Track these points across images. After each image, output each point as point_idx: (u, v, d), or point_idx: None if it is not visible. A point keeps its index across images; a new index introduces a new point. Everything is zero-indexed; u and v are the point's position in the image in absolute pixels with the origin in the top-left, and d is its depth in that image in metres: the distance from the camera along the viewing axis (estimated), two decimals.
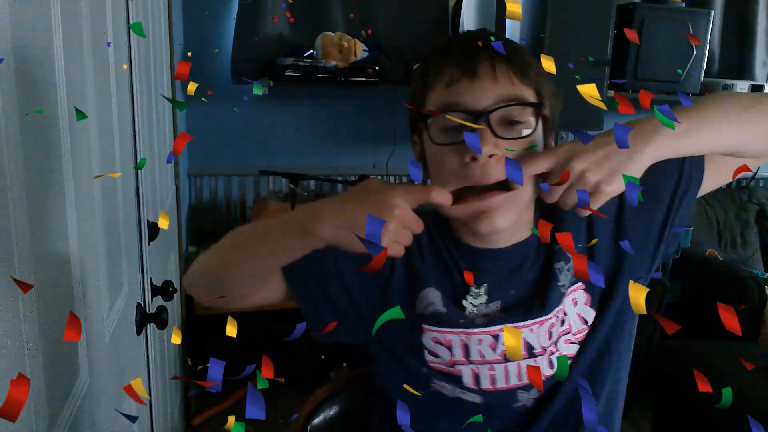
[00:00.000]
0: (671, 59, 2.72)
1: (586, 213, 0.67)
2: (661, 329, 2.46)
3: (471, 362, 0.79)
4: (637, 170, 0.65)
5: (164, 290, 1.32)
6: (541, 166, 0.66)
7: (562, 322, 0.79)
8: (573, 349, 0.80)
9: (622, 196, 0.79)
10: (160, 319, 1.14)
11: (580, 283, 0.80)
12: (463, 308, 0.79)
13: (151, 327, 1.28)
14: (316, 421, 1.07)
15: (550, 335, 0.79)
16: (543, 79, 0.75)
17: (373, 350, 0.88)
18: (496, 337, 0.78)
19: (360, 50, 2.53)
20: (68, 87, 0.69)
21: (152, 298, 1.28)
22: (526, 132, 0.72)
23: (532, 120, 0.72)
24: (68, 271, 0.70)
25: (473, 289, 0.79)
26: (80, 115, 0.49)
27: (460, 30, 2.66)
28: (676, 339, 2.18)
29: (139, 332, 1.10)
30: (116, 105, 0.99)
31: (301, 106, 2.75)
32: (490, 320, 0.78)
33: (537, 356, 0.78)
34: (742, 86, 2.92)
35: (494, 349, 0.78)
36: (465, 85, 0.71)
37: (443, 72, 0.73)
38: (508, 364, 0.78)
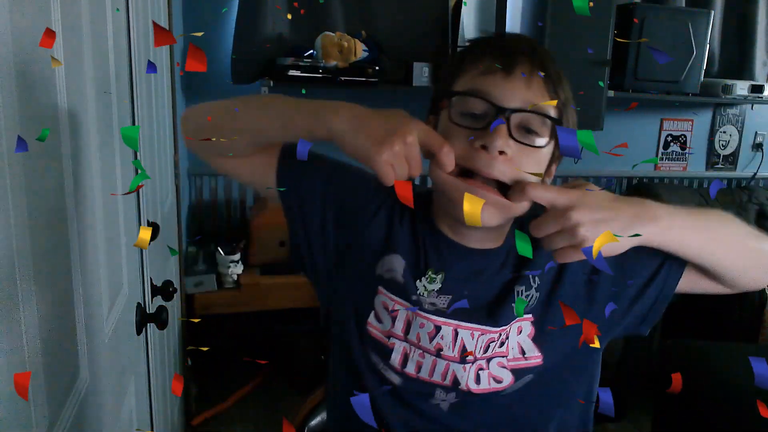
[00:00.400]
0: (671, 59, 2.72)
1: (561, 261, 0.66)
2: (661, 329, 2.46)
3: (407, 340, 0.79)
4: (625, 245, 0.66)
5: (164, 290, 1.32)
6: (545, 198, 0.66)
7: (502, 344, 0.79)
8: (504, 375, 0.80)
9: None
10: (160, 319, 1.14)
11: (530, 315, 0.80)
12: (416, 288, 0.80)
13: (151, 327, 1.28)
14: (313, 422, 1.07)
15: (486, 349, 0.79)
16: (568, 103, 0.76)
17: (323, 296, 0.89)
18: (438, 328, 0.78)
19: (360, 50, 2.53)
20: (68, 87, 0.69)
21: (152, 298, 1.28)
22: (540, 142, 0.72)
23: (547, 135, 0.72)
24: (68, 271, 0.70)
25: (431, 274, 0.80)
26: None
27: (461, 30, 2.66)
28: (676, 339, 2.18)
29: (139, 332, 1.10)
30: (116, 105, 0.99)
31: None
32: (436, 310, 0.79)
33: (467, 363, 0.78)
34: (742, 86, 2.92)
35: (431, 339, 0.78)
36: (498, 79, 0.71)
37: (482, 60, 0.73)
38: (438, 358, 0.79)
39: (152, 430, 1.31)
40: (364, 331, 0.81)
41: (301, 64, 2.41)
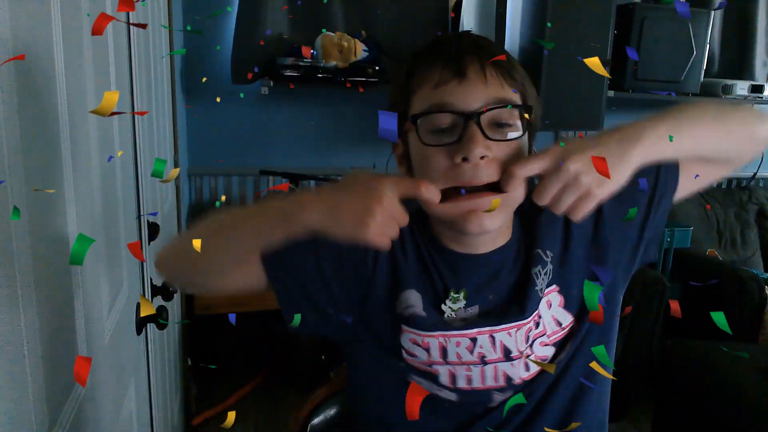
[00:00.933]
0: (671, 59, 2.72)
1: (578, 218, 0.66)
2: (661, 329, 2.46)
3: (448, 363, 0.79)
4: (625, 172, 0.66)
5: (164, 290, 1.32)
6: (534, 168, 0.66)
7: (537, 324, 0.79)
8: (548, 351, 0.81)
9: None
10: (160, 319, 1.14)
11: (554, 285, 0.80)
12: (442, 312, 0.79)
13: (151, 327, 1.28)
14: (315, 420, 1.07)
15: (527, 339, 0.79)
16: (528, 83, 0.76)
17: (349, 348, 0.87)
18: (473, 340, 0.78)
19: (360, 50, 2.53)
20: (68, 87, 0.69)
21: (152, 298, 1.28)
22: (514, 135, 0.71)
23: (518, 123, 0.72)
24: (68, 271, 0.70)
25: (453, 294, 0.79)
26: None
27: (460, 30, 2.66)
28: (676, 339, 2.18)
29: (139, 332, 1.10)
30: (116, 105, 0.99)
31: (301, 106, 2.75)
32: (467, 324, 0.78)
33: (514, 359, 0.79)
34: (742, 86, 2.92)
35: (471, 352, 0.78)
36: (454, 87, 0.71)
37: (431, 73, 0.72)
38: (484, 366, 0.78)
39: (152, 430, 1.31)
40: (405, 365, 0.80)
41: (301, 64, 2.41)
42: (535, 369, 0.80)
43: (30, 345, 0.56)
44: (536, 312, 0.79)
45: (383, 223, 0.63)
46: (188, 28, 2.49)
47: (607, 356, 0.85)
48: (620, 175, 0.65)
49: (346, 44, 2.49)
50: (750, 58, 3.15)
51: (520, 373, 0.79)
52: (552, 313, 0.80)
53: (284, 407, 2.38)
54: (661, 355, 2.26)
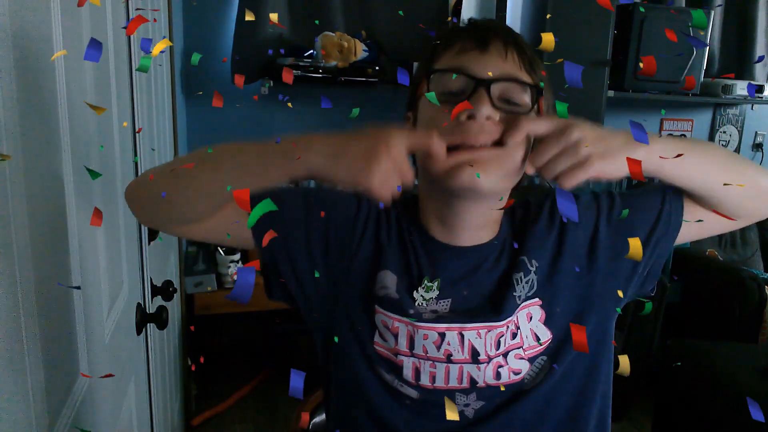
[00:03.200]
0: (671, 59, 2.72)
1: (567, 185, 0.63)
2: (661, 329, 2.46)
3: (414, 355, 0.77)
4: (624, 164, 0.64)
5: (164, 290, 1.32)
6: (540, 127, 0.65)
7: (514, 335, 0.77)
8: (523, 365, 0.78)
9: (598, 220, 0.80)
10: (160, 319, 1.14)
11: (537, 299, 0.79)
12: (414, 299, 0.78)
13: (151, 327, 1.28)
14: (317, 419, 1.08)
15: (498, 345, 0.77)
16: (546, 83, 0.76)
17: (318, 332, 0.86)
18: (442, 335, 0.76)
19: (360, 50, 2.53)
20: (68, 87, 0.69)
21: (152, 298, 1.28)
22: (522, 110, 0.71)
23: (529, 105, 0.72)
24: (68, 272, 0.70)
25: (426, 282, 0.78)
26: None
27: None
28: (676, 339, 2.19)
29: (139, 332, 1.10)
30: (116, 105, 0.99)
31: (301, 106, 2.75)
32: (437, 317, 0.77)
33: (481, 363, 0.76)
34: (742, 86, 2.92)
35: (438, 348, 0.76)
36: (474, 55, 0.72)
37: (455, 42, 0.74)
38: (449, 364, 0.77)
39: (152, 430, 1.31)
40: (372, 352, 0.79)
41: (301, 64, 2.41)
42: (504, 378, 0.77)
43: (30, 345, 0.56)
44: (511, 319, 0.77)
45: (387, 172, 0.61)
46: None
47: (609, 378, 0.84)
48: (618, 160, 0.64)
49: (346, 44, 2.49)
50: (750, 58, 3.15)
51: (486, 377, 0.77)
52: (531, 327, 0.78)
53: (284, 407, 2.38)
54: (661, 355, 2.26)
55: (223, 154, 0.68)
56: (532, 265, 0.79)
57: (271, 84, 2.41)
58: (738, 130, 3.37)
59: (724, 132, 3.35)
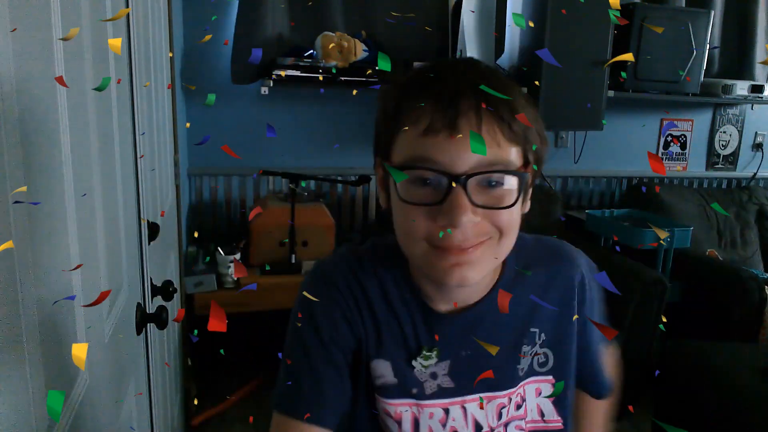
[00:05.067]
0: (671, 59, 2.73)
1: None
2: (661, 329, 2.46)
3: None
4: None
5: (164, 290, 1.32)
6: None
7: (518, 406, 0.77)
8: None
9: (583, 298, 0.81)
10: (160, 319, 1.14)
11: (551, 376, 0.77)
12: (412, 368, 0.75)
13: (151, 327, 1.28)
14: None
15: (500, 415, 0.76)
16: (530, 130, 0.66)
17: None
18: (446, 411, 0.75)
19: (360, 50, 2.53)
20: (68, 87, 0.69)
21: (152, 298, 1.28)
22: (508, 198, 0.65)
23: (512, 181, 0.64)
24: (68, 271, 0.70)
25: (425, 352, 0.75)
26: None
27: (460, 30, 2.66)
28: (676, 339, 2.19)
29: (139, 332, 1.10)
30: (116, 105, 0.99)
31: (301, 106, 2.75)
32: (441, 391, 0.75)
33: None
34: (742, 86, 2.92)
35: (444, 426, 0.75)
36: (443, 140, 0.62)
37: (420, 116, 0.63)
38: None
39: (152, 430, 1.31)
40: None
41: (301, 64, 2.41)
42: None
43: (30, 345, 0.56)
44: (516, 391, 0.76)
45: None
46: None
47: None
48: None
49: (346, 44, 2.49)
50: (750, 58, 3.15)
51: None
52: (538, 402, 0.77)
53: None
54: (661, 355, 2.26)
55: None
56: (539, 338, 0.77)
57: (271, 84, 2.42)
58: (738, 130, 3.37)
59: (724, 132, 3.35)
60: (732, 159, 3.40)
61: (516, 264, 0.77)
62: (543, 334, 0.77)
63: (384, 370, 0.75)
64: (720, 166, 3.39)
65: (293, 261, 2.38)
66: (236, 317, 2.40)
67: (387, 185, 0.71)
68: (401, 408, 0.75)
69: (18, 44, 0.54)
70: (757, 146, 3.41)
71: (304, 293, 0.76)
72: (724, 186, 3.41)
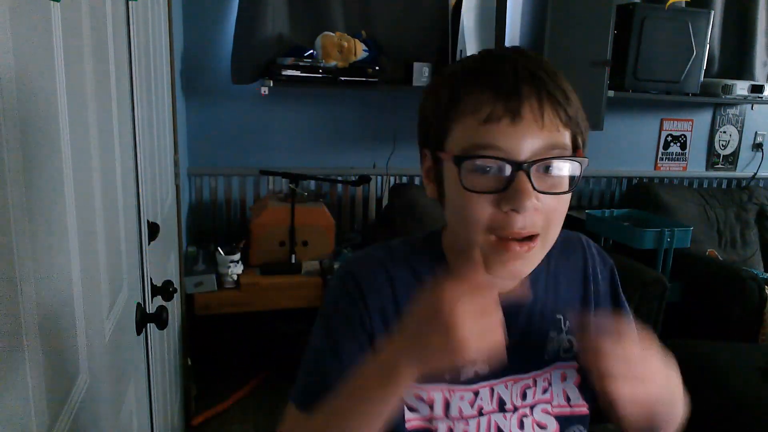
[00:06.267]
0: (671, 59, 2.73)
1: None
2: (661, 329, 2.46)
3: (449, 417, 0.76)
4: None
5: (164, 290, 1.32)
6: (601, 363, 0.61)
7: (545, 390, 0.78)
8: (549, 421, 0.78)
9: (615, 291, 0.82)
10: (160, 319, 1.14)
11: (575, 362, 0.78)
12: None
13: (151, 327, 1.28)
14: None
15: (524, 396, 0.77)
16: (581, 116, 0.68)
17: None
18: (476, 393, 0.76)
19: (360, 50, 2.53)
20: (68, 87, 0.69)
21: (152, 298, 1.28)
22: (563, 183, 0.67)
23: (568, 165, 0.67)
24: (68, 271, 0.70)
25: None
26: None
27: (460, 31, 2.66)
28: (676, 339, 2.19)
29: (139, 332, 1.10)
30: (116, 105, 0.99)
31: (301, 106, 2.75)
32: (476, 377, 0.76)
33: (507, 411, 0.77)
34: (742, 86, 2.92)
35: (472, 405, 0.76)
36: (506, 126, 0.63)
37: (480, 104, 0.64)
38: (480, 417, 0.76)
39: (152, 430, 1.31)
40: (404, 429, 0.77)
41: (301, 64, 2.41)
42: (529, 429, 0.77)
43: (30, 345, 0.56)
44: (541, 374, 0.77)
45: (471, 333, 0.58)
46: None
47: None
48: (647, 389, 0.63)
49: (346, 44, 2.49)
50: (750, 58, 3.15)
51: (511, 427, 0.77)
52: (564, 387, 0.78)
53: (284, 407, 2.38)
54: None
55: (337, 411, 0.67)
56: (564, 325, 0.79)
57: (271, 84, 2.42)
58: (738, 130, 3.37)
59: (724, 132, 3.35)
60: (732, 159, 3.40)
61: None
62: (567, 321, 0.79)
63: None
64: (720, 166, 3.39)
65: (293, 261, 2.38)
66: (236, 317, 2.41)
67: (437, 176, 0.72)
68: (433, 392, 0.76)
69: (18, 44, 0.54)
70: (757, 146, 3.42)
71: (334, 286, 0.77)
72: (724, 186, 3.41)
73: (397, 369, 0.61)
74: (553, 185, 0.66)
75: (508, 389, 0.77)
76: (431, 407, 0.76)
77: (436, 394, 0.76)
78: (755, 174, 3.40)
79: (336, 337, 0.75)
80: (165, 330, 1.43)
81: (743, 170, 3.44)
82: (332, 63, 2.48)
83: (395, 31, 2.69)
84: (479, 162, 0.64)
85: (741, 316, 2.45)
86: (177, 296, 1.88)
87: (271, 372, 2.56)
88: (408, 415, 0.77)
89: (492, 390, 0.77)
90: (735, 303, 2.47)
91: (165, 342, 1.61)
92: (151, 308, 1.26)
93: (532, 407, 0.78)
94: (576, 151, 0.68)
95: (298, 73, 2.41)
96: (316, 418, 0.71)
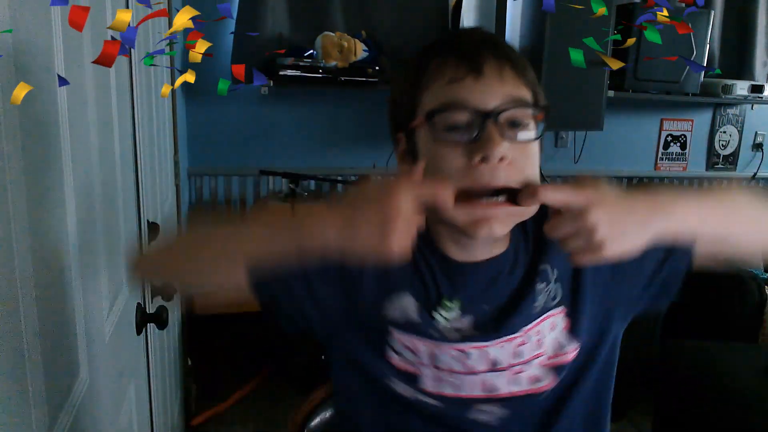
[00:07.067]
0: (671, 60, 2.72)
1: (579, 263, 0.64)
2: (661, 330, 2.46)
3: (436, 367, 0.77)
4: (641, 239, 0.63)
5: (164, 290, 1.32)
6: (558, 199, 0.63)
7: (539, 343, 0.77)
8: (546, 373, 0.78)
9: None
10: (160, 319, 1.14)
11: (562, 307, 0.78)
12: (435, 320, 0.77)
13: (151, 327, 1.28)
14: (313, 423, 1.07)
15: (518, 354, 0.77)
16: (538, 85, 0.75)
17: (331, 347, 0.85)
18: (467, 354, 0.76)
19: (360, 50, 2.53)
20: (68, 87, 0.69)
21: (152, 298, 1.28)
22: (529, 135, 0.70)
23: (531, 123, 0.71)
24: (68, 271, 0.70)
25: (446, 303, 0.77)
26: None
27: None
28: (676, 339, 2.19)
29: (139, 332, 1.10)
30: (116, 105, 0.99)
31: (301, 106, 2.75)
32: (462, 336, 0.76)
33: (498, 371, 0.76)
34: (742, 86, 2.92)
35: (461, 362, 0.76)
36: (470, 83, 0.68)
37: (444, 68, 0.70)
38: (472, 376, 0.76)
39: (152, 430, 1.31)
40: (385, 365, 0.78)
41: (301, 64, 2.41)
42: (524, 386, 0.77)
43: (30, 345, 0.56)
44: (531, 328, 0.77)
45: (404, 234, 0.60)
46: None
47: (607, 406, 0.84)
48: (635, 241, 0.63)
49: (346, 44, 2.49)
50: (750, 58, 3.15)
51: (505, 385, 0.77)
52: (555, 336, 0.78)
53: (284, 407, 2.38)
54: (661, 355, 2.26)
55: (228, 236, 0.70)
56: (553, 273, 0.79)
57: (271, 84, 2.42)
58: (738, 130, 3.37)
59: (724, 132, 3.35)
60: (732, 159, 3.40)
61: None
62: (555, 270, 0.79)
63: (407, 304, 0.77)
64: (720, 166, 3.39)
65: None
66: (236, 317, 2.40)
67: (412, 153, 0.74)
68: (419, 343, 0.76)
69: (18, 45, 0.54)
70: (757, 146, 3.41)
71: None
72: (724, 186, 3.41)
73: (313, 219, 0.62)
74: (521, 136, 0.69)
75: (503, 349, 0.76)
76: (416, 355, 0.77)
77: (422, 346, 0.76)
78: (755, 174, 3.40)
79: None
80: (165, 330, 1.43)
81: (743, 170, 3.43)
82: (332, 63, 2.47)
83: (395, 31, 2.69)
84: (449, 117, 0.68)
85: (741, 316, 2.45)
86: (177, 296, 1.88)
87: (271, 372, 2.56)
88: (392, 355, 0.77)
89: (484, 351, 0.76)
90: (735, 303, 2.47)
91: (165, 342, 1.61)
92: (151, 308, 1.26)
93: (527, 363, 0.77)
94: (541, 114, 0.72)
95: (298, 73, 2.41)
96: (198, 229, 0.75)
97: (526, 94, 0.71)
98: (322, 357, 2.43)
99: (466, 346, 0.76)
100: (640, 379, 2.45)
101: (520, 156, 0.69)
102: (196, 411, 2.27)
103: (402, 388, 0.77)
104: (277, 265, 0.70)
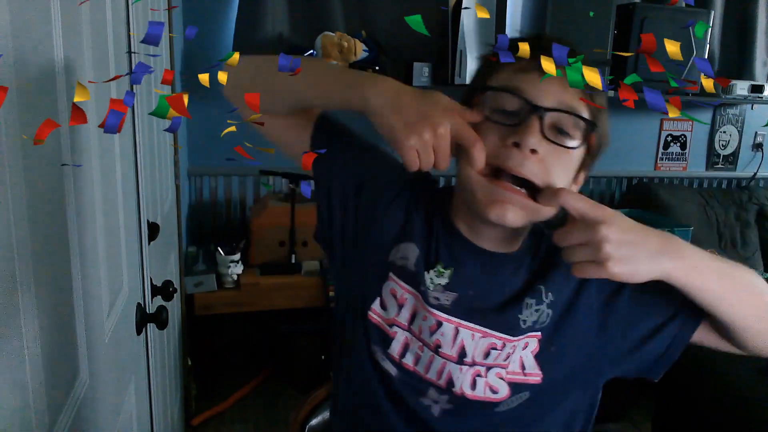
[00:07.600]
0: (671, 59, 2.72)
1: (577, 275, 0.64)
2: None
3: (410, 330, 0.78)
4: (647, 270, 0.64)
5: (164, 290, 1.32)
6: (577, 207, 0.64)
7: (507, 357, 0.77)
8: (501, 386, 0.78)
9: (622, 286, 0.79)
10: (160, 319, 1.14)
11: (539, 333, 0.78)
12: (424, 277, 0.79)
13: (151, 327, 1.28)
14: (314, 422, 1.07)
15: (487, 355, 0.77)
16: (604, 117, 0.75)
17: (337, 288, 0.91)
18: (439, 324, 0.77)
19: (360, 50, 2.53)
20: (68, 86, 0.69)
21: (152, 298, 1.28)
22: (571, 143, 0.71)
23: (578, 138, 0.71)
24: (68, 271, 0.70)
25: (440, 268, 0.79)
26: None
27: (460, 31, 2.65)
28: None
29: (139, 332, 1.10)
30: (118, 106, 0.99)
31: None
32: (440, 306, 0.77)
33: (464, 365, 0.76)
34: (742, 86, 2.92)
35: (432, 334, 0.77)
36: (533, 77, 0.70)
37: (519, 60, 0.73)
38: (435, 355, 0.77)
39: (152, 429, 1.31)
40: (366, 319, 0.80)
41: None
42: (480, 392, 0.77)
43: (30, 345, 0.56)
44: (510, 339, 0.77)
45: (425, 145, 0.64)
46: None
47: None
48: (640, 270, 0.64)
49: (346, 44, 2.49)
50: (750, 58, 3.15)
51: (464, 385, 0.77)
52: (521, 355, 0.78)
53: (284, 407, 2.38)
54: None
55: (308, 66, 0.71)
56: (546, 297, 0.79)
57: None
58: (738, 130, 3.37)
59: (724, 132, 3.35)
60: (732, 159, 3.40)
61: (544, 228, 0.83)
62: (550, 294, 0.79)
63: (411, 254, 0.80)
64: (720, 166, 3.39)
65: (293, 261, 2.38)
66: (236, 317, 2.41)
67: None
68: (407, 294, 0.79)
69: (18, 43, 0.54)
70: (757, 146, 3.41)
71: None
72: (724, 186, 3.41)
73: (377, 84, 0.69)
74: (561, 142, 0.70)
75: (474, 340, 0.77)
76: (399, 310, 0.79)
77: (409, 297, 0.78)
78: (755, 174, 3.40)
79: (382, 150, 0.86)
80: (165, 330, 1.43)
81: (743, 170, 3.43)
82: (332, 63, 2.47)
83: (395, 31, 2.68)
84: (501, 100, 0.71)
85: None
86: (177, 296, 1.89)
87: (271, 372, 2.56)
88: (376, 307, 0.80)
89: (456, 331, 0.77)
90: None
91: (165, 342, 1.61)
92: (151, 308, 1.26)
93: (488, 369, 0.78)
94: (589, 134, 0.72)
95: None
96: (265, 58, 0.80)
97: (583, 111, 0.71)
98: (322, 357, 2.43)
99: (443, 316, 0.77)
100: (640, 379, 2.45)
101: (553, 159, 0.70)
102: (196, 411, 2.27)
103: (374, 348, 0.80)
104: (335, 143, 0.81)
